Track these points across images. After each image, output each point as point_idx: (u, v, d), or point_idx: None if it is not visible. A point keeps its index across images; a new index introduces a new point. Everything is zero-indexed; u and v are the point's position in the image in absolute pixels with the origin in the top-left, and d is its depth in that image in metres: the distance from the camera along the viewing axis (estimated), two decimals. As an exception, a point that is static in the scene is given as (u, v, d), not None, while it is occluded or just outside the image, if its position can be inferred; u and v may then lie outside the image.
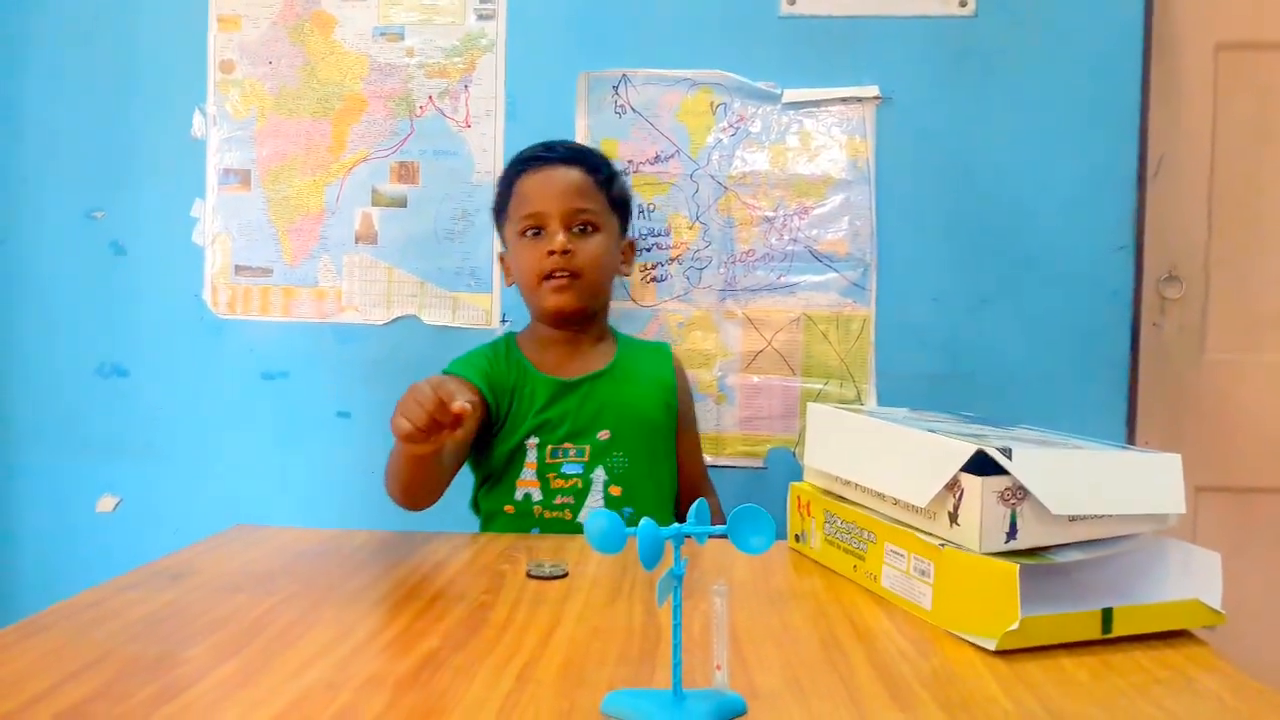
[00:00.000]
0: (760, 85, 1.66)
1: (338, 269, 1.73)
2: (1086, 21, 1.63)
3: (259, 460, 1.75)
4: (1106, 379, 1.63)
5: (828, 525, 1.08)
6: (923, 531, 0.93)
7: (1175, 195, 1.71)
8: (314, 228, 1.73)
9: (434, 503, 1.26)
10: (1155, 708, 0.71)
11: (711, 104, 1.67)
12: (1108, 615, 0.84)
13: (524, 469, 1.39)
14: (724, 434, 1.67)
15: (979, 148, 1.64)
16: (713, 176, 1.67)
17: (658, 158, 1.68)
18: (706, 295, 1.68)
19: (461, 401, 1.01)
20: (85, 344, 1.78)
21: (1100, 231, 1.63)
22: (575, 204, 1.40)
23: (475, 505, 1.47)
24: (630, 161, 1.68)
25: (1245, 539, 1.71)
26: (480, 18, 1.71)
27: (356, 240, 1.73)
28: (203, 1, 1.75)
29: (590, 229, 1.41)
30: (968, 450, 0.87)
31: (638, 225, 1.67)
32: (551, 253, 1.38)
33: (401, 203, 1.72)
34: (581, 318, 1.44)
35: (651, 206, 1.68)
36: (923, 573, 0.91)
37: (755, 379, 1.66)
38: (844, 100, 1.65)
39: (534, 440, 1.39)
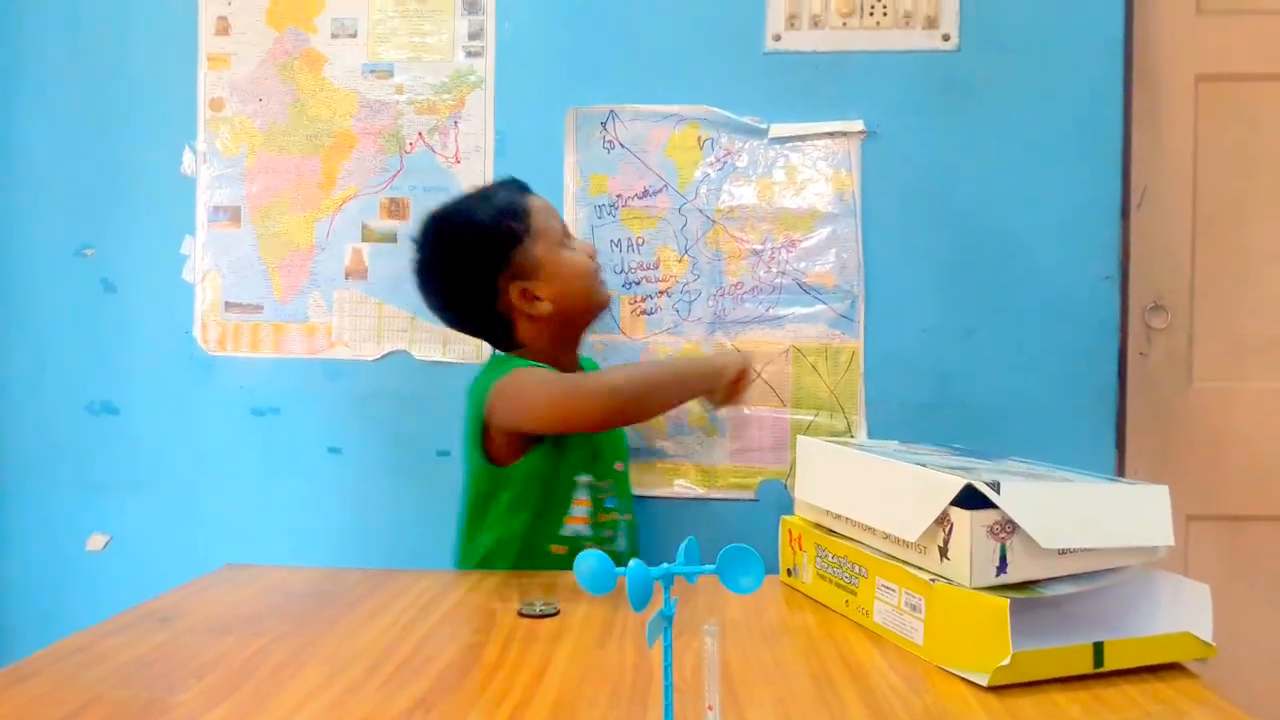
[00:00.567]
0: (746, 120, 1.67)
1: (328, 305, 1.74)
2: (1068, 54, 1.65)
3: (250, 497, 1.74)
4: (1095, 408, 1.63)
5: (819, 559, 1.08)
6: (914, 566, 0.93)
7: (1159, 225, 1.72)
8: (304, 264, 1.74)
9: None
10: (1147, 743, 0.71)
11: (699, 139, 1.68)
12: (1099, 649, 0.84)
13: (573, 506, 1.34)
14: (716, 466, 1.67)
15: (963, 180, 1.66)
16: (701, 210, 1.68)
17: (646, 192, 1.69)
18: (696, 328, 1.68)
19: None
20: (75, 381, 1.77)
21: (1086, 262, 1.64)
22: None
23: (493, 535, 1.33)
24: (619, 196, 1.69)
25: (1237, 568, 1.71)
26: (469, 54, 1.72)
27: (347, 276, 1.73)
28: (193, 40, 1.76)
29: None
30: (957, 484, 0.88)
31: (627, 258, 1.68)
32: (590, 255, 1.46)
33: (391, 238, 1.72)
34: None
35: (640, 240, 1.69)
36: (914, 608, 0.91)
37: (746, 411, 1.66)
38: (829, 135, 1.66)
39: (586, 478, 1.36)
